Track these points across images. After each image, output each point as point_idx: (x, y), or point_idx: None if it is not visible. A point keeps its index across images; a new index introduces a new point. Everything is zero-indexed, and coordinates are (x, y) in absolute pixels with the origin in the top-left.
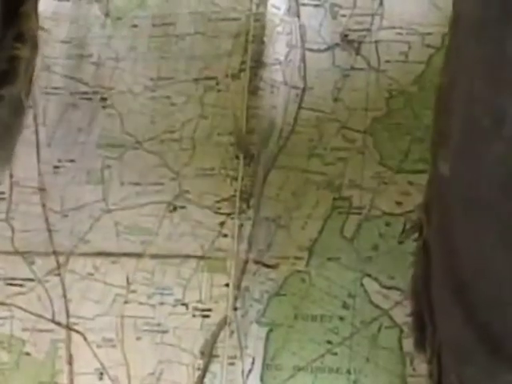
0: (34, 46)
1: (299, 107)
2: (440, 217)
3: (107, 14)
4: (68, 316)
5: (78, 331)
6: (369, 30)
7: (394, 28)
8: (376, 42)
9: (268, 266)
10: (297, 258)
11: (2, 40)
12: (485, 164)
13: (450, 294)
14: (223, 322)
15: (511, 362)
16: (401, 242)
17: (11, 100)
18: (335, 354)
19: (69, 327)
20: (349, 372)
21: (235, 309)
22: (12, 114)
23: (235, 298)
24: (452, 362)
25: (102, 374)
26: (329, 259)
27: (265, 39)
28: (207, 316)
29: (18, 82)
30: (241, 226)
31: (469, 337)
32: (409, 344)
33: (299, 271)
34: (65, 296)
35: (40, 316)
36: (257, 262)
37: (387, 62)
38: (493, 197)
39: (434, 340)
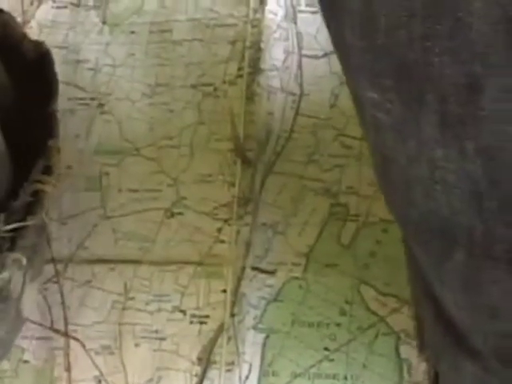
0: (58, 180)
1: (296, 113)
2: None
3: (104, 21)
4: (66, 323)
5: (76, 339)
6: None
7: None
8: None
9: (265, 272)
10: (294, 264)
11: (29, 173)
12: None
13: (423, 291)
14: (220, 329)
15: (473, 354)
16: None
17: (35, 227)
18: (332, 360)
19: (67, 335)
20: (346, 378)
21: (232, 315)
22: (38, 236)
23: (232, 305)
24: (433, 361)
25: (100, 381)
26: (326, 266)
27: (262, 45)
28: (204, 322)
29: (41, 213)
30: (238, 232)
31: (439, 331)
32: (405, 351)
33: (296, 277)
34: (63, 303)
35: (39, 324)
36: (254, 268)
37: None
38: None
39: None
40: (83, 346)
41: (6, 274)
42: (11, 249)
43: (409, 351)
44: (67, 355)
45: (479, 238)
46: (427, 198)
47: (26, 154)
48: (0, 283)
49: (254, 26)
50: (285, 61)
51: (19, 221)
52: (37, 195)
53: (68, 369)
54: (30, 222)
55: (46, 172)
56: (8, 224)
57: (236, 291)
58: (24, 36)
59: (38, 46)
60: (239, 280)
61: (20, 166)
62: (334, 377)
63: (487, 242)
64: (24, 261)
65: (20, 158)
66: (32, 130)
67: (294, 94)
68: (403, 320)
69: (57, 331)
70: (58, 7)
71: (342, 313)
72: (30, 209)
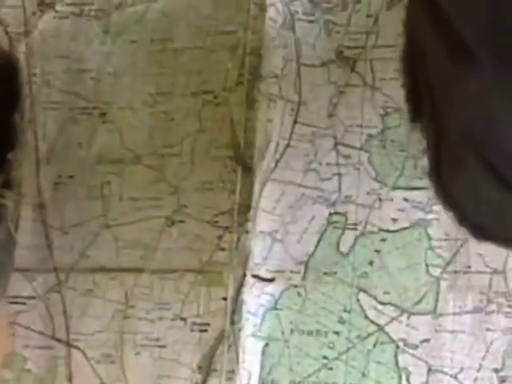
0: (19, 193)
1: (295, 122)
2: None
3: (106, 31)
4: (68, 332)
5: (77, 347)
6: (364, 47)
7: (388, 46)
8: (371, 59)
9: (264, 280)
10: (293, 272)
11: None
12: None
13: None
14: (221, 337)
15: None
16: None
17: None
18: (331, 368)
19: (69, 344)
20: None
21: (232, 323)
22: (2, 252)
23: (232, 312)
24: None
25: None
26: (325, 274)
27: (262, 52)
28: (205, 330)
29: (5, 229)
30: (238, 239)
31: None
32: (404, 359)
33: (295, 285)
34: (65, 313)
35: (41, 333)
36: (253, 276)
37: (382, 79)
38: None
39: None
40: (85, 354)
41: None
42: None
43: (408, 360)
44: (69, 364)
45: None
46: None
47: None
48: None
49: (254, 33)
50: (284, 68)
51: None
52: None
53: (70, 378)
54: None
55: (6, 186)
56: None
57: (236, 299)
58: None
59: (7, 55)
60: (239, 287)
61: None
62: None
63: None
64: None
65: None
66: None
67: (292, 102)
68: (402, 329)
69: (58, 340)
70: (60, 17)
71: (341, 321)
72: None
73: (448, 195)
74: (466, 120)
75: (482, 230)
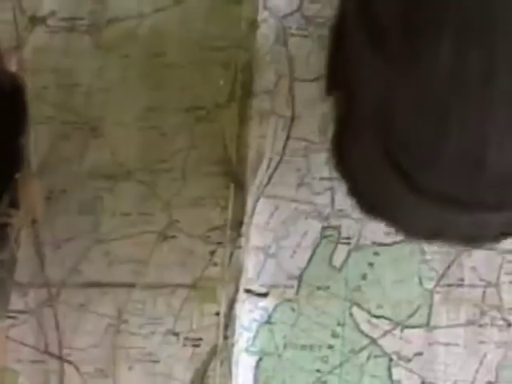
0: (27, 212)
1: (287, 137)
2: None
3: (98, 45)
4: (61, 347)
5: (70, 362)
6: None
7: None
8: None
9: (258, 295)
10: (286, 286)
11: None
12: None
13: None
14: (213, 351)
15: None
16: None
17: (3, 262)
18: (325, 382)
19: (62, 358)
20: None
21: (225, 338)
22: (6, 271)
23: (225, 327)
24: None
25: None
26: (318, 288)
27: (254, 68)
28: (198, 345)
29: (9, 248)
30: (231, 254)
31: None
32: (398, 372)
33: (289, 300)
34: (57, 327)
35: (33, 347)
36: (246, 291)
37: None
38: None
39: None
40: (77, 369)
41: None
42: None
43: (401, 373)
44: (62, 379)
45: None
46: None
47: None
48: None
49: (245, 49)
50: (276, 84)
51: None
52: (3, 229)
53: None
54: None
55: (13, 205)
56: None
57: (229, 314)
58: (1, 68)
59: (14, 79)
60: (232, 303)
61: None
62: None
63: None
64: None
65: None
66: None
67: (285, 117)
68: (395, 342)
69: (51, 355)
70: (51, 31)
71: (335, 335)
72: None
73: (342, 162)
74: (369, 97)
75: (368, 206)
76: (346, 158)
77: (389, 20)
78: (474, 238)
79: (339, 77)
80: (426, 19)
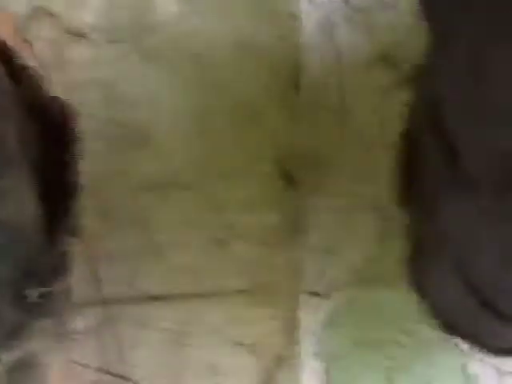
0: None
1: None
2: None
3: (141, 55)
4: (123, 365)
5: (134, 382)
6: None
7: None
8: None
9: (320, 296)
10: (348, 284)
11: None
12: None
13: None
14: (279, 359)
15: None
16: None
17: (62, 291)
18: (394, 379)
19: (124, 377)
20: None
21: (290, 343)
22: (66, 300)
23: (289, 332)
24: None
25: None
26: (381, 284)
27: (300, 62)
28: (262, 353)
29: (68, 276)
30: (289, 257)
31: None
32: (472, 366)
33: (351, 299)
34: (118, 345)
35: (95, 368)
36: (308, 293)
37: None
38: None
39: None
40: None
41: (32, 344)
42: (37, 316)
43: (475, 366)
44: None
45: None
46: None
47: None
48: (25, 353)
49: (290, 44)
50: (322, 77)
51: (45, 285)
52: (63, 257)
53: None
54: (57, 287)
55: (72, 233)
56: (33, 289)
57: (292, 318)
58: (52, 98)
59: (64, 106)
60: (294, 306)
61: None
62: None
63: None
64: (51, 328)
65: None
66: (54, 190)
67: (335, 111)
68: None
69: (114, 375)
70: (94, 45)
71: (403, 331)
72: (57, 272)
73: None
74: (454, 236)
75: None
76: (425, 278)
77: (479, 172)
78: None
79: (414, 192)
80: None
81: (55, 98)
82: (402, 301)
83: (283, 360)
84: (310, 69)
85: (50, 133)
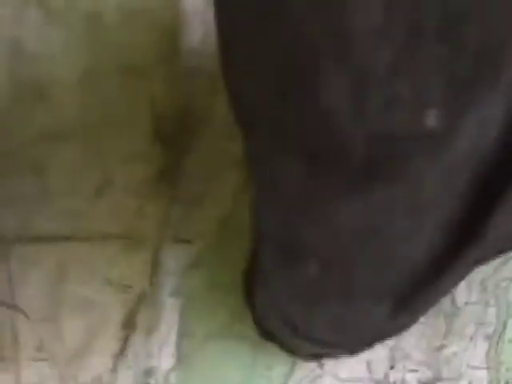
0: None
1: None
2: None
3: (45, 15)
4: (13, 297)
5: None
6: None
7: None
8: None
9: (183, 242)
10: (211, 232)
11: None
12: None
13: None
14: (142, 297)
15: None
16: None
17: None
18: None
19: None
20: None
21: (152, 283)
22: None
23: (152, 273)
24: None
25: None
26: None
27: (182, 28)
28: (128, 292)
29: None
30: (159, 205)
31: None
32: None
33: (213, 245)
34: (10, 280)
35: None
36: (173, 239)
37: None
38: None
39: None
40: (27, 316)
41: None
42: None
43: None
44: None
45: None
46: None
47: None
48: None
49: (175, 10)
50: (203, 43)
51: None
52: None
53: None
54: None
55: None
56: None
57: (158, 262)
58: None
59: None
60: (160, 251)
61: None
62: None
63: None
64: None
65: None
66: None
67: (213, 77)
68: None
69: (4, 304)
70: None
71: None
72: None
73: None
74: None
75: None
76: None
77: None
78: None
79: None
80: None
81: None
82: None
83: (146, 298)
84: (193, 34)
85: None
